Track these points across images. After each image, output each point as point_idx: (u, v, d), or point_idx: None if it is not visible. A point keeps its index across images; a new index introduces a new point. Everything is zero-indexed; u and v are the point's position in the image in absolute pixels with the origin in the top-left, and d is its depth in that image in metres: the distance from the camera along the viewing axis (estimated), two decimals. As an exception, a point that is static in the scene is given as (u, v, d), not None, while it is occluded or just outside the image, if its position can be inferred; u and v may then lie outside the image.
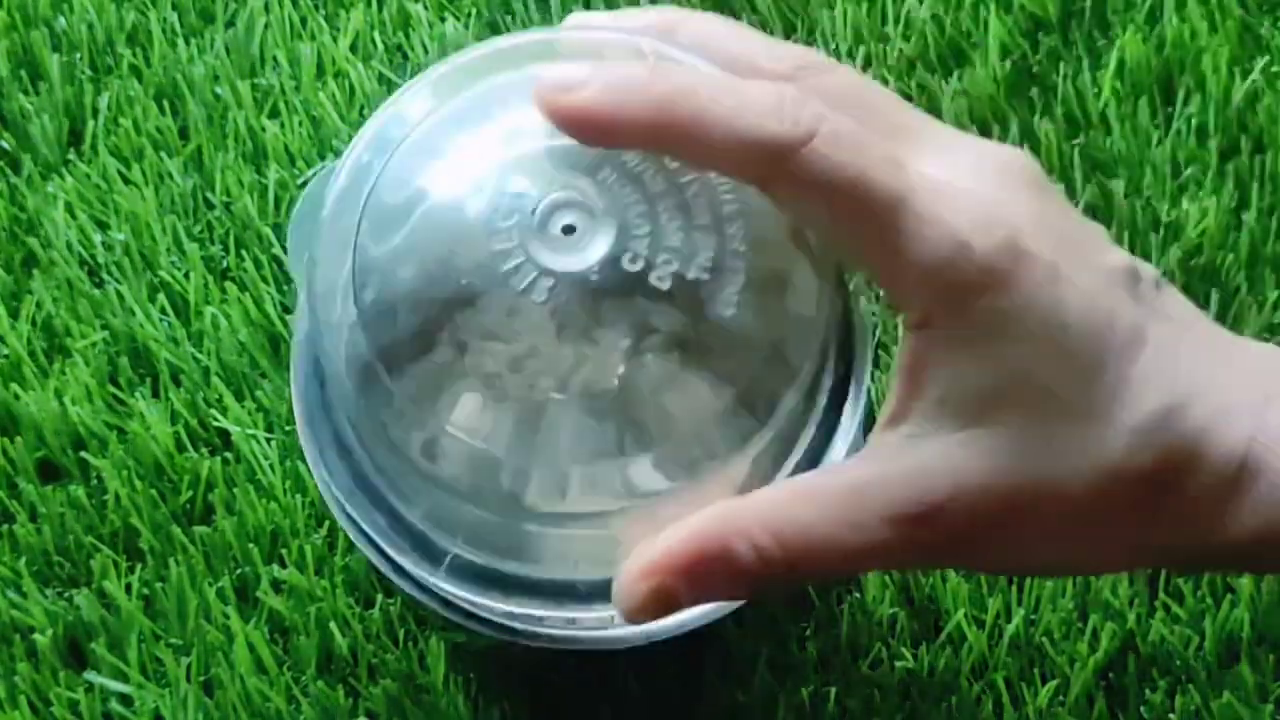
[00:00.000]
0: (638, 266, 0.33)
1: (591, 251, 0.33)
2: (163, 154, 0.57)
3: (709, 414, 0.33)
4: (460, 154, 0.34)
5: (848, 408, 0.36)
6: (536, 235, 0.33)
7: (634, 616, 0.34)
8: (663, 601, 0.33)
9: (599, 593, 0.35)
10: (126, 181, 0.57)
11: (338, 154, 0.57)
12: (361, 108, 0.58)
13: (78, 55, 0.59)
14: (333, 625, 0.49)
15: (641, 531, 0.34)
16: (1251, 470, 0.34)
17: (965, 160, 0.35)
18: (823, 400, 0.36)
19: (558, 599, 0.36)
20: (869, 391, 0.36)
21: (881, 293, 0.35)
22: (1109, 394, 0.33)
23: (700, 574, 0.33)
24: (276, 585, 0.50)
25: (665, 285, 0.33)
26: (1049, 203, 0.35)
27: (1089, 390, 0.33)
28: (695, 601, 0.34)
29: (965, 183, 0.34)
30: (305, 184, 0.57)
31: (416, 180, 0.34)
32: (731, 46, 0.36)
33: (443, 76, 0.36)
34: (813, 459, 0.36)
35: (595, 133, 0.33)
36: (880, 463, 0.34)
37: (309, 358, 0.37)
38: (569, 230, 0.33)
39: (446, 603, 0.38)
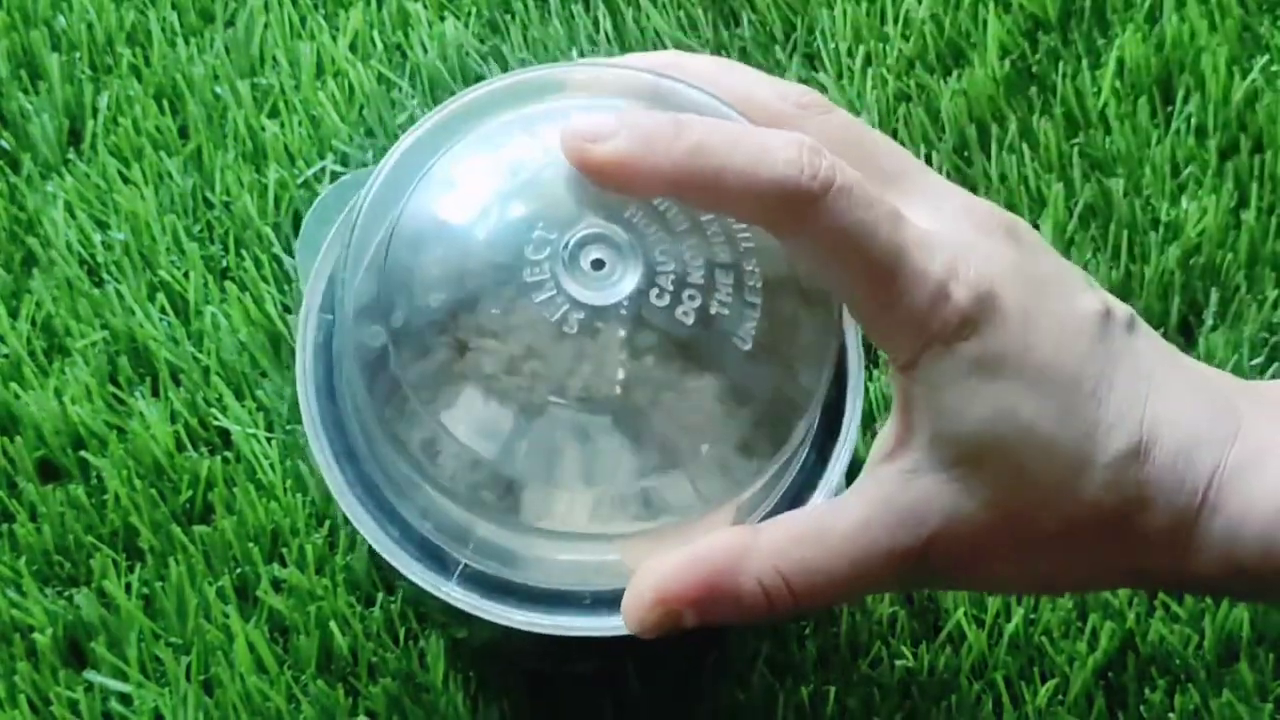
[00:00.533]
0: (664, 302, 0.34)
1: (621, 286, 0.34)
2: (162, 154, 0.57)
3: (724, 442, 0.35)
4: (491, 183, 0.35)
5: (841, 433, 0.38)
6: (567, 269, 0.34)
7: (641, 634, 0.36)
8: (670, 624, 0.35)
9: (607, 602, 0.36)
10: (126, 181, 0.57)
11: (337, 153, 0.57)
12: (361, 107, 0.58)
13: (77, 55, 0.59)
14: (333, 625, 0.49)
15: (649, 548, 0.35)
16: (1210, 508, 0.36)
17: (949, 211, 0.37)
18: (816, 423, 0.37)
19: (567, 607, 0.37)
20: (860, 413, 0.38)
21: (870, 338, 0.37)
22: (1082, 435, 0.35)
23: (708, 606, 0.35)
24: (276, 585, 0.50)
25: (689, 320, 0.34)
26: (1025, 251, 0.37)
27: (1064, 431, 0.36)
28: (701, 625, 0.36)
29: (949, 234, 0.36)
30: (305, 184, 0.57)
31: (446, 206, 0.35)
32: (734, 86, 0.37)
33: (468, 105, 0.37)
34: (806, 480, 0.37)
35: (620, 183, 0.34)
36: (879, 501, 0.36)
37: (320, 370, 0.38)
38: (598, 265, 0.34)
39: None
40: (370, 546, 0.37)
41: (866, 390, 0.52)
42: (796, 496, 0.37)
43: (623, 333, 0.34)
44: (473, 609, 0.36)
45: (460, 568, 0.37)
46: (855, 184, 0.34)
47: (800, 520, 0.36)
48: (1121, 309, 0.38)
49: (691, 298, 0.34)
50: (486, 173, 0.35)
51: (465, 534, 0.36)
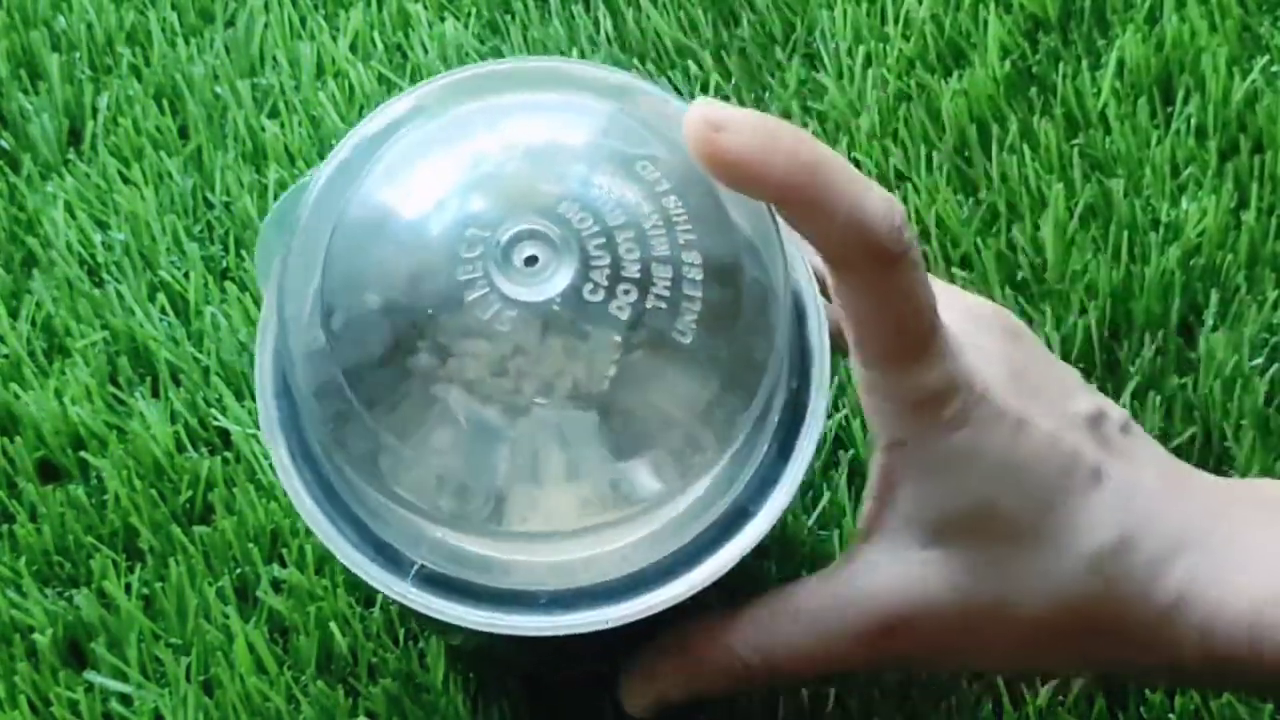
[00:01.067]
0: (598, 297, 0.34)
1: (554, 283, 0.34)
2: (162, 154, 0.57)
3: (670, 435, 0.34)
4: (429, 180, 0.35)
5: (803, 429, 0.37)
6: (500, 266, 0.34)
7: (637, 713, 0.40)
8: (661, 703, 0.40)
9: (562, 602, 0.36)
10: (126, 181, 0.57)
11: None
12: (361, 108, 0.58)
13: (77, 55, 0.59)
14: (333, 625, 0.49)
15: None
16: (1188, 603, 0.37)
17: (959, 310, 0.38)
18: (775, 418, 0.37)
19: (523, 607, 0.37)
20: (827, 413, 0.38)
21: (863, 404, 0.38)
22: (1063, 527, 0.37)
23: (694, 684, 0.38)
24: (276, 585, 0.50)
25: (624, 315, 0.34)
26: (1022, 352, 0.39)
27: (1045, 523, 0.37)
28: (688, 700, 0.39)
29: (959, 329, 0.37)
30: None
31: (385, 204, 0.35)
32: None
33: (417, 100, 0.36)
34: (767, 474, 0.37)
35: (734, 176, 0.34)
36: (851, 579, 0.38)
37: (276, 373, 0.37)
38: (532, 261, 0.34)
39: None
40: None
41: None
42: (759, 491, 0.37)
43: (558, 329, 0.34)
44: (428, 610, 0.36)
45: (415, 569, 0.36)
46: (920, 263, 0.35)
47: (773, 598, 0.38)
48: (1117, 412, 0.39)
49: (626, 292, 0.34)
50: (425, 171, 0.35)
51: (420, 536, 0.36)
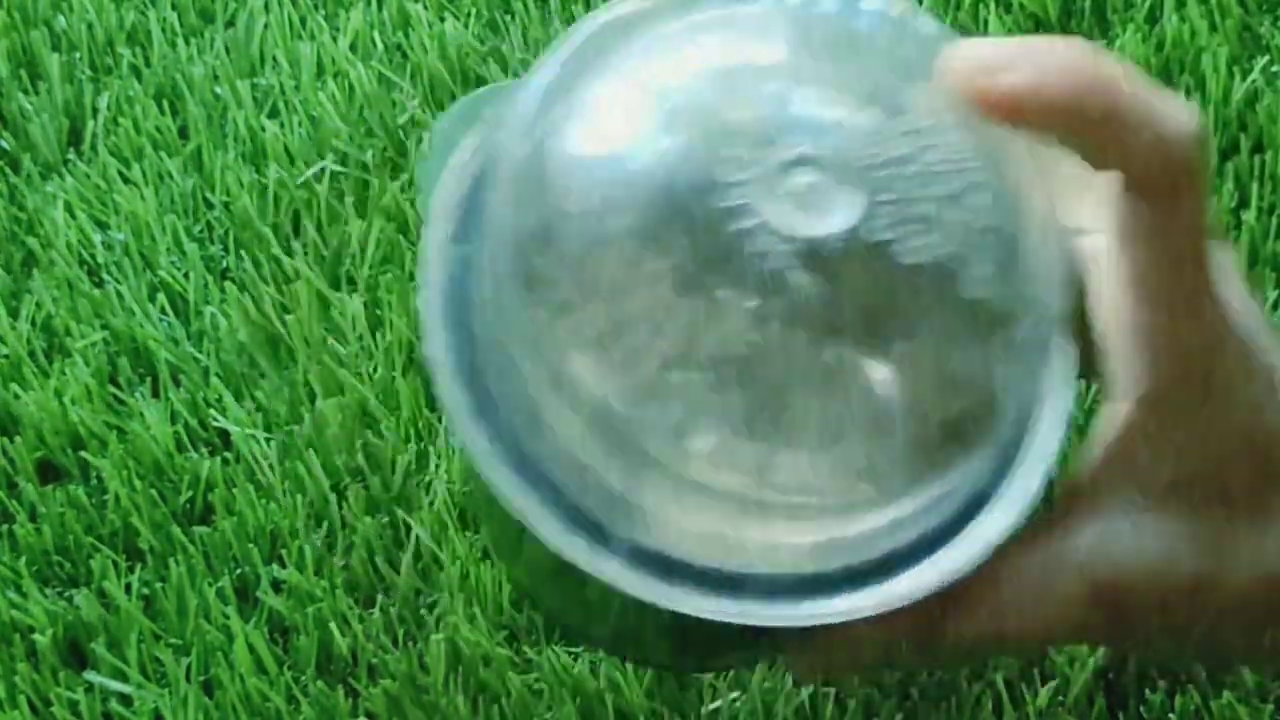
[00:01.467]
0: (886, 236, 0.29)
1: (834, 218, 0.29)
2: (163, 154, 0.57)
3: (930, 417, 0.30)
4: (672, 91, 0.30)
5: (1027, 442, 0.33)
6: (771, 195, 0.29)
7: (808, 681, 0.36)
8: (836, 671, 0.35)
9: (783, 589, 0.31)
10: (126, 181, 0.57)
11: (337, 153, 0.57)
12: (361, 107, 0.58)
13: (77, 55, 0.60)
14: (333, 625, 0.49)
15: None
16: None
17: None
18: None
19: (743, 593, 0.30)
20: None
21: (1126, 351, 0.34)
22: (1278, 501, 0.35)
23: (885, 652, 0.34)
24: (276, 585, 0.50)
25: (914, 259, 0.29)
26: (1245, 295, 0.36)
27: (1268, 495, 0.34)
28: (865, 670, 0.35)
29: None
30: (304, 184, 0.57)
31: (620, 120, 0.30)
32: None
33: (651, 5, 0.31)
34: (980, 490, 0.32)
35: (1017, 117, 0.31)
36: (1064, 540, 0.34)
37: (449, 312, 0.31)
38: (805, 192, 0.29)
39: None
40: (502, 518, 0.31)
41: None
42: (966, 511, 0.32)
43: (834, 269, 0.28)
44: (637, 591, 0.30)
45: (620, 541, 0.30)
46: None
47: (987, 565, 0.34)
48: None
49: (917, 234, 0.29)
50: (666, 80, 0.30)
51: (622, 501, 0.30)
